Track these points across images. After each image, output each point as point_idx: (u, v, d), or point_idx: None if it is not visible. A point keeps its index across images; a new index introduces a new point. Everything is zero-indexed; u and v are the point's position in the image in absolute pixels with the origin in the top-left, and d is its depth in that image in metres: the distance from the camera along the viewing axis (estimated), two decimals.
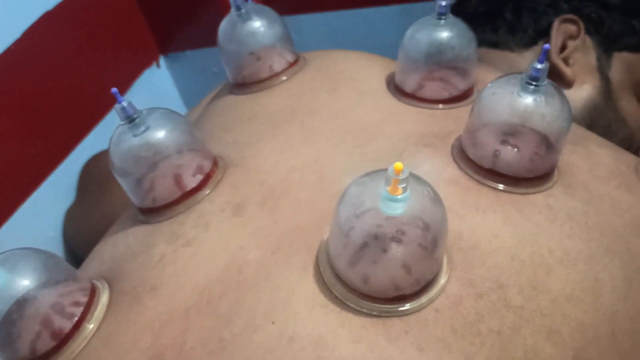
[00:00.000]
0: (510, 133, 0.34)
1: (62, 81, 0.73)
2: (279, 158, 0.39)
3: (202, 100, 0.56)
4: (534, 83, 0.33)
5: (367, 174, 0.28)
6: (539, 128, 0.34)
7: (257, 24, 0.47)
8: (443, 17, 0.43)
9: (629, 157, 0.40)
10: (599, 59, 0.54)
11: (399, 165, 0.25)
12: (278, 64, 0.48)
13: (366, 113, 0.42)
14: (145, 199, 0.37)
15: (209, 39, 0.82)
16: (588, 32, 0.54)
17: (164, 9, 0.84)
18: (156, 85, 0.90)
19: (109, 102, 0.80)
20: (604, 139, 0.43)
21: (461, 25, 0.43)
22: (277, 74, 0.47)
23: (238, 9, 0.47)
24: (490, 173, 0.35)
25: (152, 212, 0.37)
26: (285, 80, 0.47)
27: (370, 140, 0.39)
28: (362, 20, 0.83)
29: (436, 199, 0.28)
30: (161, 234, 0.35)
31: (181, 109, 0.95)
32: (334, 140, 0.40)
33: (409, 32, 0.44)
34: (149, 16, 0.85)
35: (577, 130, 0.42)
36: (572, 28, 0.54)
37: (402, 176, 0.26)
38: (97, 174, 0.69)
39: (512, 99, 0.34)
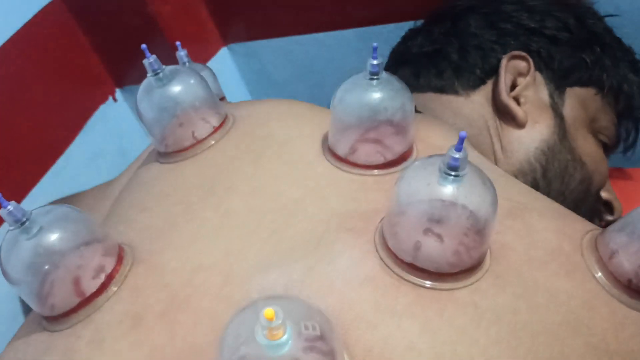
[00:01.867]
0: (433, 221, 0.31)
1: (8, 124, 0.70)
2: (187, 253, 0.36)
3: (134, 163, 0.53)
4: (452, 173, 0.30)
5: (249, 307, 0.25)
6: (462, 218, 0.31)
7: (177, 88, 0.44)
8: (375, 77, 0.40)
9: (575, 229, 0.37)
10: (551, 96, 0.51)
11: (269, 313, 0.22)
12: (202, 129, 0.45)
13: (289, 187, 0.39)
14: (44, 306, 0.34)
15: None
16: (538, 68, 0.51)
17: (114, 41, 0.80)
18: (114, 120, 0.87)
19: (62, 144, 0.77)
20: (552, 202, 0.40)
21: (395, 84, 0.40)
22: (201, 141, 0.44)
23: (155, 72, 0.43)
24: (411, 267, 0.32)
25: (52, 320, 0.34)
26: (210, 147, 0.44)
27: (289, 223, 0.36)
28: (320, 45, 0.79)
29: None
30: (56, 349, 0.33)
31: (142, 142, 0.92)
32: (250, 226, 0.37)
33: (338, 93, 0.41)
34: (100, 49, 0.82)
35: (519, 197, 0.38)
36: (521, 65, 0.50)
37: (275, 323, 0.23)
38: None
39: (431, 189, 0.31)
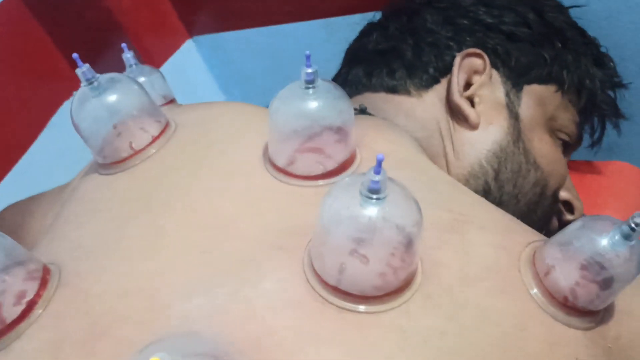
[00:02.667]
0: (355, 244, 0.30)
1: None
2: (114, 276, 0.35)
3: (75, 178, 0.52)
4: (373, 196, 0.29)
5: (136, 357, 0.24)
6: (384, 241, 0.30)
7: (113, 97, 0.42)
8: (311, 85, 0.38)
9: (515, 242, 0.35)
10: (507, 95, 0.49)
11: None
12: (140, 139, 0.43)
13: (225, 202, 0.38)
14: None
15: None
16: (495, 65, 0.49)
17: (75, 36, 0.78)
18: None
19: (24, 142, 0.76)
20: (497, 212, 0.38)
21: (333, 92, 0.39)
22: (139, 152, 0.43)
23: (89, 82, 0.42)
24: (337, 290, 0.31)
25: None
26: (148, 158, 0.43)
27: (221, 242, 0.35)
28: (285, 36, 0.77)
29: None
30: None
31: None
32: (180, 245, 0.35)
33: (274, 104, 0.39)
34: (62, 45, 0.80)
35: (461, 208, 0.37)
36: (477, 62, 0.49)
37: None
38: (8, 226, 0.66)
39: (352, 212, 0.30)
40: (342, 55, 0.76)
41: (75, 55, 0.41)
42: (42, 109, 0.78)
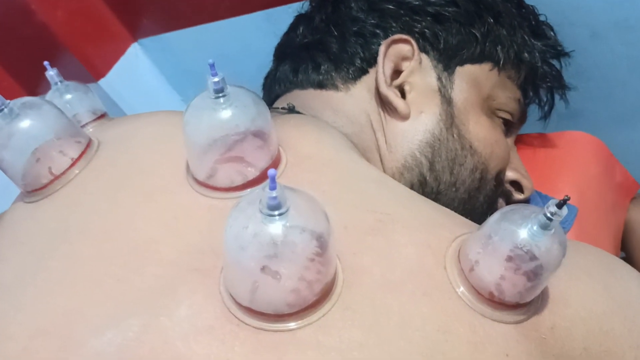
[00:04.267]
0: (265, 262, 0.29)
1: None
2: (28, 314, 0.33)
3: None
4: (275, 213, 0.28)
5: None
6: (296, 254, 0.28)
7: (25, 123, 0.41)
8: (220, 94, 0.36)
9: (442, 238, 0.34)
10: (439, 79, 0.48)
11: None
12: (59, 163, 0.42)
13: (145, 225, 0.37)
14: None
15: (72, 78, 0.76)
16: (424, 50, 0.47)
17: (12, 55, 0.76)
18: None
19: None
20: (425, 207, 0.37)
21: (244, 97, 0.37)
22: (58, 177, 0.41)
23: None
24: (250, 311, 0.30)
25: None
26: (68, 182, 0.41)
27: (138, 268, 0.34)
28: (228, 31, 0.75)
29: None
30: None
31: None
32: (97, 276, 0.34)
33: (185, 116, 0.38)
34: (8, 61, 0.78)
35: (385, 207, 0.36)
36: (404, 49, 0.47)
37: None
38: None
39: (255, 231, 0.28)
40: None
41: None
42: None
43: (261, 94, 0.69)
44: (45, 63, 0.51)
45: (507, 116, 0.51)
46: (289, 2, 0.69)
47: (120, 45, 0.79)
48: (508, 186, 0.52)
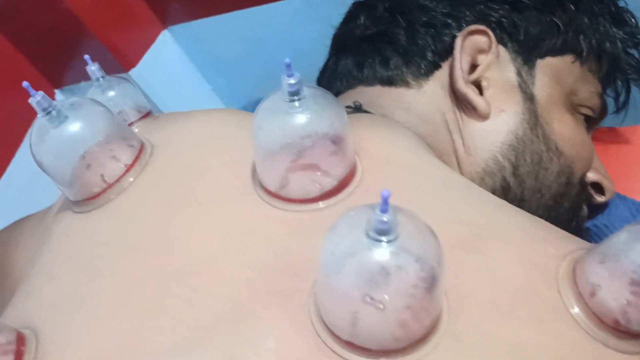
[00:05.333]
0: (367, 292, 0.26)
1: None
2: (84, 339, 0.30)
3: (54, 205, 0.47)
4: (383, 239, 0.24)
5: None
6: (404, 285, 0.25)
7: (75, 126, 0.37)
8: (295, 97, 0.33)
9: (548, 255, 0.31)
10: (519, 74, 0.43)
11: None
12: (112, 170, 0.38)
13: (210, 238, 0.33)
14: None
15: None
16: (501, 41, 0.43)
17: (40, 43, 0.72)
18: None
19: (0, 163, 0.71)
20: (519, 216, 0.34)
21: (321, 100, 0.33)
22: (112, 185, 0.38)
23: (46, 111, 0.37)
24: (351, 346, 0.27)
25: None
26: (123, 191, 0.38)
27: (209, 290, 0.31)
28: (266, 17, 0.71)
29: None
30: None
31: None
32: (161, 297, 0.31)
33: (256, 120, 0.34)
34: (28, 52, 0.74)
35: (478, 218, 0.32)
36: (481, 40, 0.43)
37: None
38: None
39: (360, 257, 0.25)
40: (329, 33, 0.70)
41: (25, 83, 0.36)
42: (15, 124, 0.73)
43: None
44: (86, 57, 0.47)
45: (589, 112, 0.47)
46: None
47: (151, 33, 0.75)
48: (588, 189, 0.49)
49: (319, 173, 0.34)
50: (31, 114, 0.74)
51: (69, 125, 0.37)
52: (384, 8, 0.47)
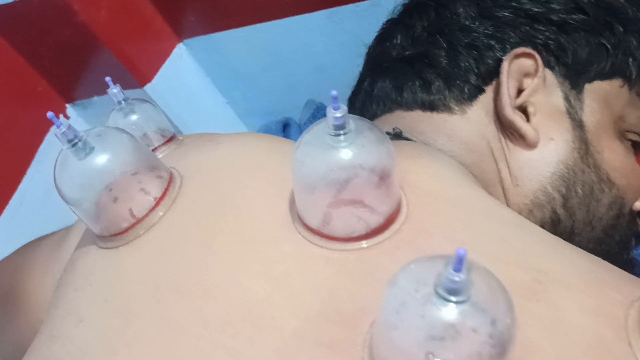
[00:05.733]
0: (435, 346, 0.24)
1: None
2: None
3: (72, 230, 0.45)
4: (454, 299, 0.22)
5: None
6: (472, 348, 0.23)
7: (102, 158, 0.35)
8: (342, 131, 0.31)
9: (615, 302, 0.28)
10: (566, 99, 0.41)
11: None
12: (141, 203, 0.36)
13: (252, 281, 0.31)
14: None
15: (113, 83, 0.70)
16: (548, 65, 0.41)
17: (53, 57, 0.70)
18: None
19: (12, 181, 0.69)
20: (579, 257, 0.31)
21: (368, 133, 0.31)
22: (141, 220, 0.36)
23: (72, 143, 0.35)
24: None
25: None
26: (153, 226, 0.36)
27: (254, 339, 0.29)
28: (286, 31, 0.69)
29: None
30: None
31: None
32: (203, 347, 0.29)
33: (298, 155, 0.32)
34: (40, 67, 0.72)
35: (539, 261, 0.30)
36: (527, 64, 0.41)
37: None
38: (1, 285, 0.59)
39: (431, 318, 0.23)
40: (350, 45, 0.68)
41: (50, 114, 0.34)
42: (27, 141, 0.71)
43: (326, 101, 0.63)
44: (107, 79, 0.45)
45: (636, 138, 0.44)
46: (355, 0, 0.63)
47: (166, 46, 0.73)
48: (637, 219, 0.46)
49: (363, 209, 0.32)
50: (44, 129, 0.72)
51: (96, 157, 0.35)
52: (422, 28, 0.45)
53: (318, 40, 0.68)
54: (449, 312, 0.23)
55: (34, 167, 0.70)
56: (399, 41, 0.45)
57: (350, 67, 0.72)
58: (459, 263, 0.21)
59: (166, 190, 0.37)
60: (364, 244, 0.32)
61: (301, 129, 0.56)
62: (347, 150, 0.31)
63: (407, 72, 0.44)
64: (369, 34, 0.65)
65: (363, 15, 0.63)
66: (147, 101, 0.47)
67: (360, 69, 0.70)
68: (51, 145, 0.73)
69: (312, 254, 0.32)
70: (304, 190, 0.33)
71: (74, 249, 0.48)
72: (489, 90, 0.42)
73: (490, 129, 0.41)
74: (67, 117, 0.77)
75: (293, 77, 0.73)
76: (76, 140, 0.34)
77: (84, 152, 0.35)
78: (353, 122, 0.31)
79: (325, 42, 0.68)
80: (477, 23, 0.42)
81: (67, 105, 0.77)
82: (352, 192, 0.32)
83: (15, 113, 0.69)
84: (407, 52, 0.44)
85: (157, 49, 0.72)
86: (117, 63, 0.65)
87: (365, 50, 0.67)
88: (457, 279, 0.22)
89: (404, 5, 0.49)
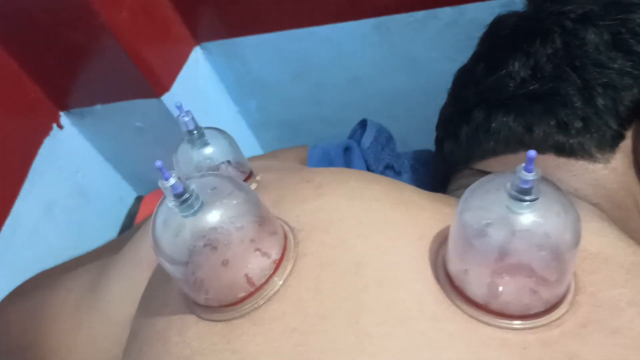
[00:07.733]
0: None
1: None
2: None
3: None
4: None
5: None
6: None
7: (215, 214, 0.29)
8: (528, 197, 0.26)
9: None
10: None
11: None
12: (258, 268, 0.30)
13: None
14: None
15: (124, 91, 0.62)
16: None
17: (50, 60, 0.60)
18: (63, 152, 0.68)
19: (6, 201, 0.59)
20: None
21: (556, 203, 0.27)
22: (260, 288, 0.30)
23: (182, 199, 0.28)
24: None
25: None
26: (275, 294, 0.30)
27: None
28: (322, 40, 0.63)
29: None
30: None
31: (101, 173, 0.74)
32: None
33: (466, 218, 0.27)
34: (32, 70, 0.62)
35: None
36: None
37: None
38: (13, 335, 0.50)
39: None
40: (393, 58, 0.64)
41: (158, 163, 0.27)
42: (19, 154, 0.61)
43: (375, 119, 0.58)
44: (177, 104, 0.38)
45: None
46: (405, 10, 0.58)
47: (183, 50, 0.65)
48: None
49: (533, 279, 0.28)
50: (36, 141, 0.63)
51: (208, 215, 0.29)
52: (547, 58, 0.39)
53: (357, 51, 0.63)
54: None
55: (28, 184, 0.61)
56: (516, 69, 0.40)
57: (387, 81, 0.67)
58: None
59: (284, 249, 0.31)
60: (541, 321, 0.28)
61: (364, 154, 0.51)
62: (533, 222, 0.26)
63: (536, 111, 0.39)
64: (418, 47, 0.61)
65: (414, 27, 0.58)
66: (221, 130, 0.40)
67: (401, 83, 0.65)
68: (46, 161, 0.64)
69: (483, 336, 0.27)
70: (472, 260, 0.28)
71: (123, 302, 0.41)
72: (628, 137, 0.38)
73: (634, 182, 0.37)
74: (60, 126, 0.67)
75: (321, 89, 0.67)
76: (187, 195, 0.28)
77: (192, 209, 0.28)
78: (542, 185, 0.27)
79: (365, 53, 0.63)
80: (611, 58, 0.38)
81: (61, 113, 0.67)
82: (513, 255, 0.27)
83: (4, 124, 0.60)
84: (532, 87, 0.39)
85: (175, 54, 0.64)
86: (132, 67, 0.57)
87: (413, 64, 0.61)
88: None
89: (515, 27, 0.43)
